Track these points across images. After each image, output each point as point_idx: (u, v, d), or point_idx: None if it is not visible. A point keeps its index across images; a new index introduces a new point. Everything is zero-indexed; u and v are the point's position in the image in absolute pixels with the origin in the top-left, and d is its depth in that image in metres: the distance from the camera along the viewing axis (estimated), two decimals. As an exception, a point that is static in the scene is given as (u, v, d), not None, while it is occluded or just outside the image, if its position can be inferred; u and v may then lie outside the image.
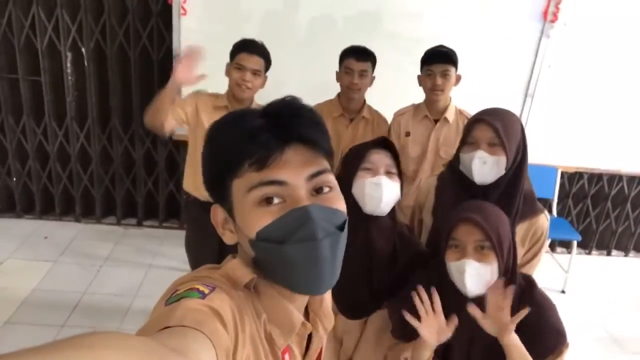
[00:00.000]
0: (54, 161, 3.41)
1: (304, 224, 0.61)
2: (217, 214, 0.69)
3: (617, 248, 3.98)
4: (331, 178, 0.66)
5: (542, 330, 1.18)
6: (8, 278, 2.83)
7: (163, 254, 3.24)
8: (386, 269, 1.32)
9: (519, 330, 1.15)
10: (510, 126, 1.41)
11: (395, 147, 1.33)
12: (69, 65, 3.19)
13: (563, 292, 3.29)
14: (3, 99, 3.24)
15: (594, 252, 3.93)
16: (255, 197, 0.63)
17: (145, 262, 3.16)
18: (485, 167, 1.39)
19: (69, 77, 3.22)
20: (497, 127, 1.37)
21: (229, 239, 0.69)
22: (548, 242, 1.58)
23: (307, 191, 0.63)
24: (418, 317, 1.17)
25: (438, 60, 2.17)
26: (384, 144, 1.30)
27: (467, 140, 1.44)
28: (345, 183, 1.27)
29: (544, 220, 1.50)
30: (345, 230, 0.66)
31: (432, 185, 1.59)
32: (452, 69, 2.18)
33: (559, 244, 3.87)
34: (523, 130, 1.46)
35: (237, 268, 0.67)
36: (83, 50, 3.17)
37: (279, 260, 0.63)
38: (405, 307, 1.19)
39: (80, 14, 3.09)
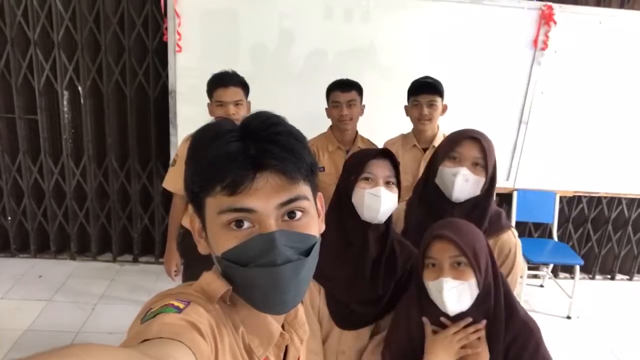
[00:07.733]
0: (49, 199, 3.39)
1: (268, 251, 0.61)
2: (195, 221, 0.70)
3: (621, 272, 3.92)
4: (305, 204, 0.65)
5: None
6: (0, 319, 2.77)
7: (159, 290, 3.13)
8: (385, 276, 1.30)
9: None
10: (491, 148, 1.43)
11: (395, 156, 1.33)
12: (65, 103, 3.22)
13: (568, 317, 3.21)
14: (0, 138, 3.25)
15: (597, 276, 3.88)
16: (224, 220, 0.63)
17: (140, 299, 3.09)
18: (466, 185, 1.40)
19: (66, 115, 3.24)
20: (485, 147, 1.39)
21: (203, 248, 0.70)
22: (522, 261, 1.55)
23: (277, 217, 0.63)
24: (412, 343, 1.14)
25: (424, 91, 2.21)
26: (384, 153, 1.31)
27: (450, 154, 1.43)
28: (345, 191, 1.30)
29: (510, 235, 1.49)
30: (314, 253, 0.66)
31: (402, 210, 1.58)
32: (439, 99, 2.21)
33: (562, 269, 3.83)
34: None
35: (212, 280, 0.67)
36: (80, 88, 3.20)
37: (241, 280, 0.64)
38: (399, 337, 1.16)
39: (77, 54, 3.14)
